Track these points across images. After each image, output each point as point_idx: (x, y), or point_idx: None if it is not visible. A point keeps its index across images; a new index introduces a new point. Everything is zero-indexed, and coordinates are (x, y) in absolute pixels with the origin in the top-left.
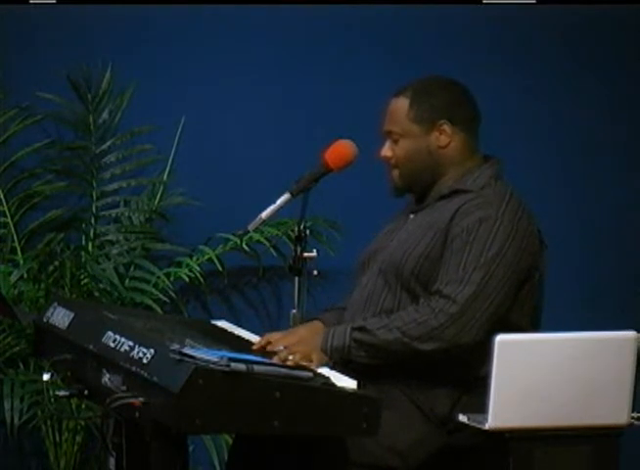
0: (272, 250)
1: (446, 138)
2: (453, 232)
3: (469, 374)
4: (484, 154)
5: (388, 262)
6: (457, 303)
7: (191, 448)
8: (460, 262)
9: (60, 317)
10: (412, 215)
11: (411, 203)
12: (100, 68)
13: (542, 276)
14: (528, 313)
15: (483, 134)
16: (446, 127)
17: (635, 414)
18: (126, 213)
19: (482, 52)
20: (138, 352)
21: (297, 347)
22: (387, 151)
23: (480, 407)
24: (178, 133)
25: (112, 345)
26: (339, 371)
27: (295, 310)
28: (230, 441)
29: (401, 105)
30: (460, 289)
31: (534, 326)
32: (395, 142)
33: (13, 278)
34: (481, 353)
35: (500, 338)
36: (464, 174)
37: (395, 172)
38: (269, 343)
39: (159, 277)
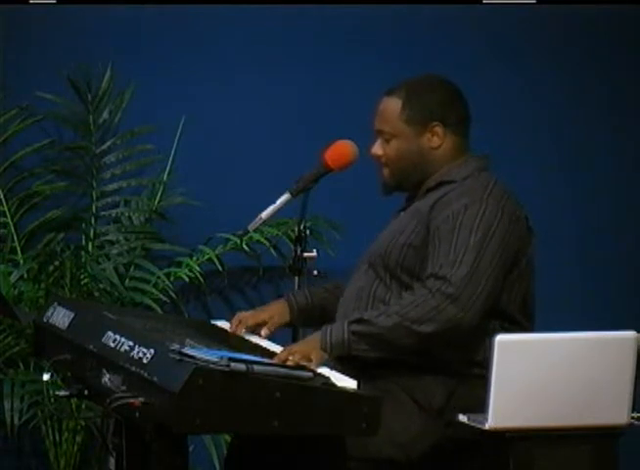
0: (272, 250)
1: (438, 140)
2: (438, 220)
3: (464, 361)
4: (477, 154)
5: (375, 254)
6: (453, 284)
7: (191, 448)
8: (450, 246)
9: (60, 317)
10: (402, 213)
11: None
12: (100, 68)
13: (531, 262)
14: (517, 300)
15: (483, 134)
16: (438, 129)
17: (635, 414)
18: (126, 213)
19: (482, 52)
20: (138, 352)
21: (296, 347)
22: (377, 149)
23: (477, 398)
24: (178, 133)
25: (112, 345)
26: (338, 370)
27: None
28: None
29: (393, 105)
30: (454, 270)
31: (526, 316)
32: (387, 141)
33: (13, 278)
34: (476, 338)
35: (500, 338)
36: (450, 169)
37: (386, 171)
38: (240, 322)
39: (159, 277)
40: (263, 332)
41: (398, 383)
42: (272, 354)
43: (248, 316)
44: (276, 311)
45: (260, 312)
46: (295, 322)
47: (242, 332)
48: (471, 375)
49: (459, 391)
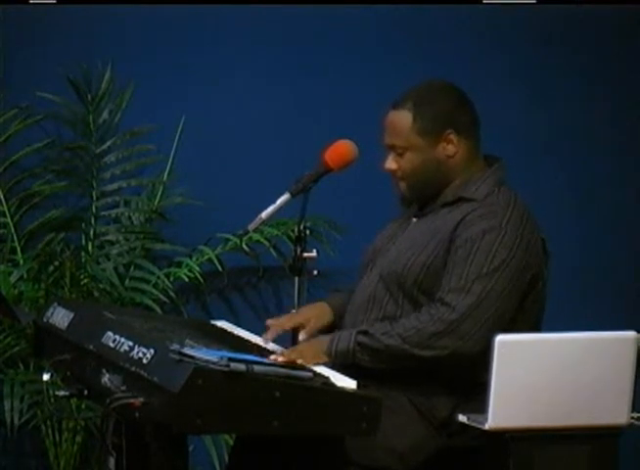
0: (272, 250)
1: (453, 148)
2: (457, 242)
3: (470, 380)
4: (486, 154)
5: (389, 270)
6: (456, 311)
7: (191, 448)
8: (462, 272)
9: (59, 317)
10: (415, 220)
11: (414, 205)
12: (100, 68)
13: (545, 285)
14: (532, 320)
15: (483, 134)
16: (453, 137)
17: (635, 414)
18: (126, 214)
19: (482, 52)
20: (138, 352)
21: (301, 347)
22: (391, 164)
23: (481, 411)
24: (178, 133)
25: (111, 345)
26: (339, 372)
27: (295, 310)
28: (230, 441)
29: (404, 118)
30: (461, 298)
31: (537, 332)
32: (400, 155)
33: (13, 278)
34: (484, 360)
35: (500, 338)
36: (468, 181)
37: (403, 184)
38: (278, 326)
39: (158, 277)
40: (301, 336)
41: (403, 391)
42: (272, 354)
43: (283, 321)
44: (313, 314)
45: (296, 316)
46: (337, 324)
47: (273, 336)
48: (477, 392)
49: (464, 404)
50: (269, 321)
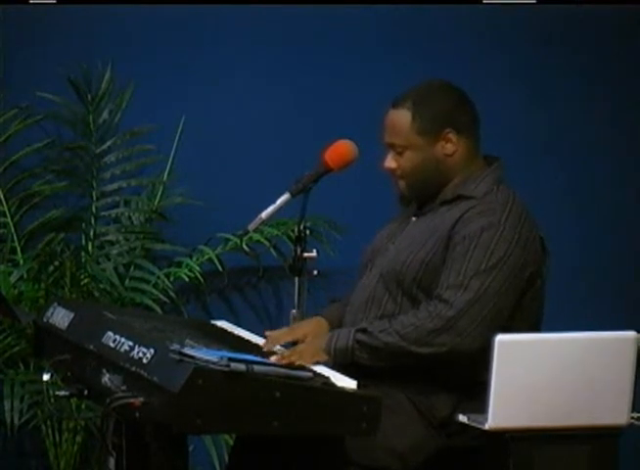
0: (272, 250)
1: (452, 146)
2: (455, 239)
3: (470, 379)
4: (485, 154)
5: (388, 268)
6: (454, 307)
7: (191, 448)
8: (460, 269)
9: (60, 317)
10: (414, 219)
11: (413, 204)
12: (100, 68)
13: (544, 283)
14: (531, 319)
15: (483, 134)
16: (452, 136)
17: (635, 414)
18: (126, 214)
19: (482, 52)
20: (138, 352)
21: (301, 347)
22: (391, 162)
23: (481, 411)
24: (178, 133)
25: (112, 345)
26: (340, 372)
27: (295, 310)
28: (230, 441)
29: (403, 117)
30: (458, 295)
31: (537, 331)
32: (400, 154)
33: (13, 278)
34: (484, 359)
35: (500, 338)
36: (467, 179)
37: (402, 183)
38: (274, 340)
39: (158, 277)
40: None
41: (403, 391)
42: (272, 355)
43: (280, 336)
44: (310, 330)
45: (293, 331)
46: None
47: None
48: (477, 392)
49: (464, 403)
50: (267, 333)
